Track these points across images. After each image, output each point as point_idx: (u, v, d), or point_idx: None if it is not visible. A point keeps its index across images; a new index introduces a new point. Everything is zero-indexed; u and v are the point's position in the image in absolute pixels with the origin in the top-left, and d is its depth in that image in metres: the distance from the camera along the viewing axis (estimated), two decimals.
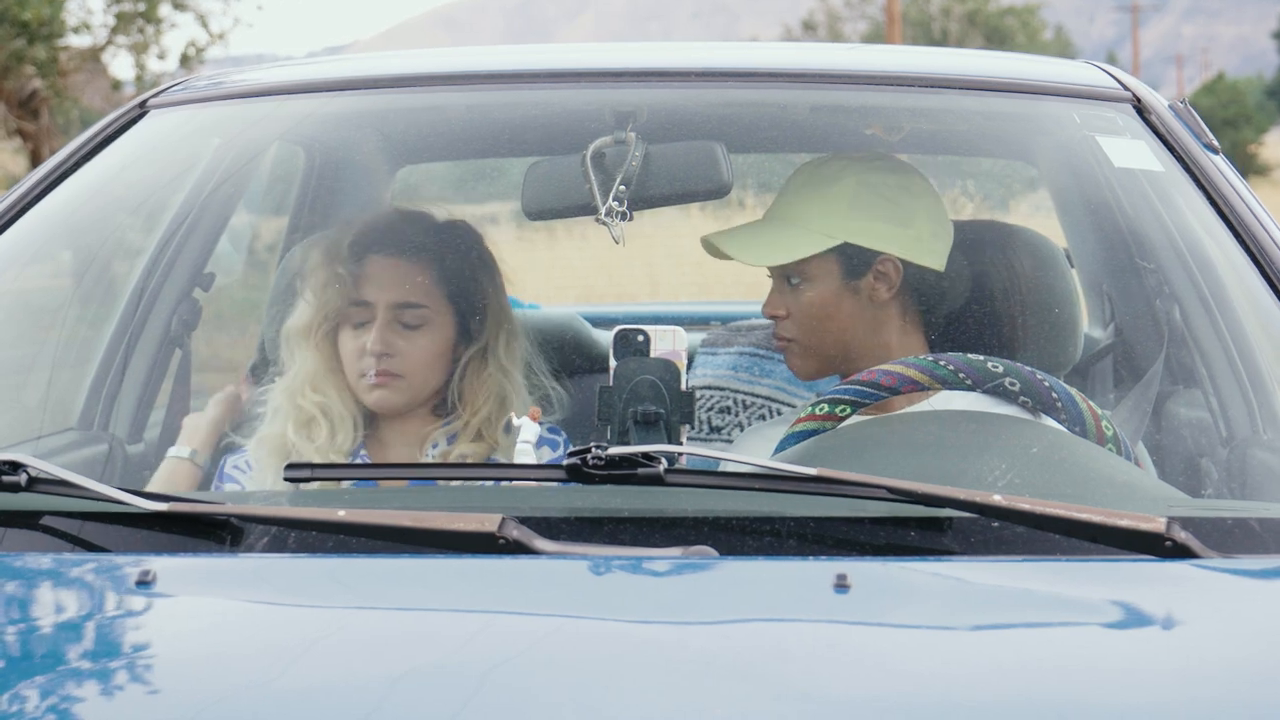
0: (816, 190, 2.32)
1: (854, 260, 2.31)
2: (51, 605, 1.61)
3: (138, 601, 1.57)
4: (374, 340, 2.33)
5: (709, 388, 2.80)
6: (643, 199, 2.34)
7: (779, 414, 2.72)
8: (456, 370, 2.39)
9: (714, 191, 2.40)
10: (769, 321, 2.80)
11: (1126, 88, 2.35)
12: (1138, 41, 58.76)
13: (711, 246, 2.37)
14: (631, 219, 2.31)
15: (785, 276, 2.34)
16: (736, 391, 2.79)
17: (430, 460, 2.37)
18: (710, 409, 2.79)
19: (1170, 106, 2.32)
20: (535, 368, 2.46)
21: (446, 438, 2.38)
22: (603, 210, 2.28)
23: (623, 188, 2.30)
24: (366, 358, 2.34)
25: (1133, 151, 2.27)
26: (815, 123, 2.65)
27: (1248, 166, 47.35)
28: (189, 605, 1.59)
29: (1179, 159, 2.21)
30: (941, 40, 47.89)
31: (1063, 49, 56.76)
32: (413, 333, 2.36)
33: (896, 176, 2.34)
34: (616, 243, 2.28)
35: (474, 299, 2.41)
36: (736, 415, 2.76)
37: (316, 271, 2.39)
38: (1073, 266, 2.94)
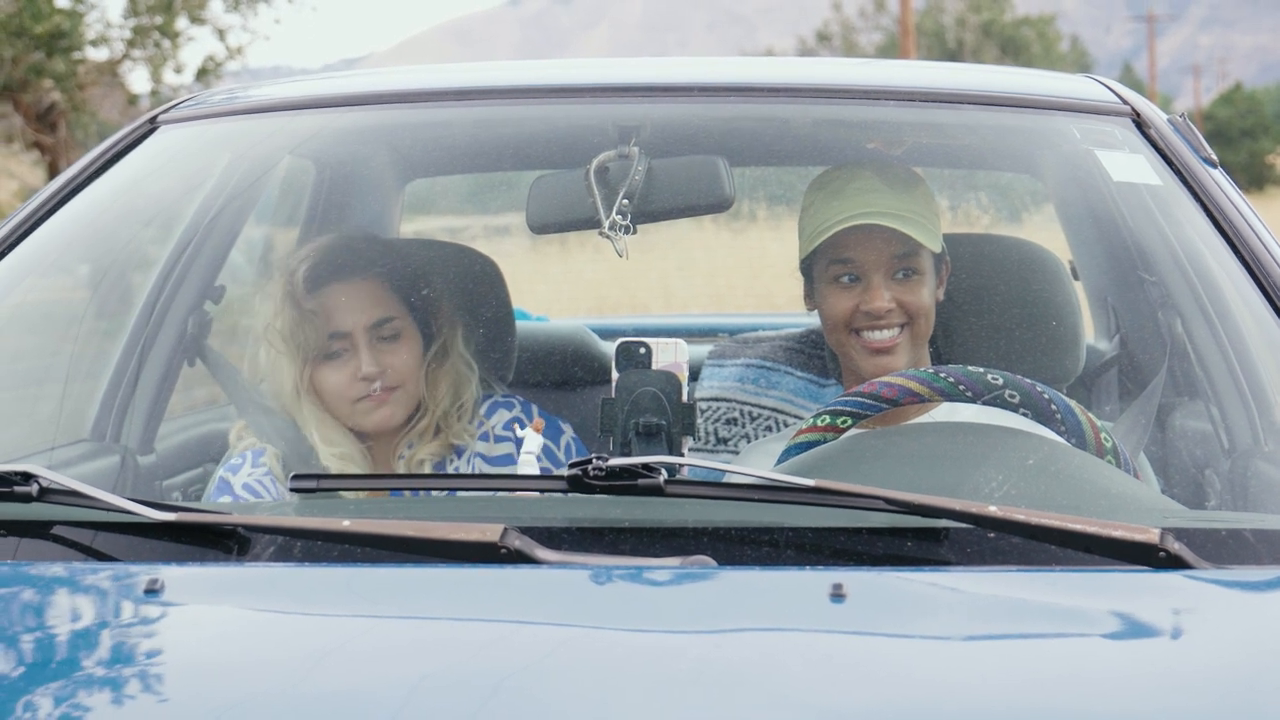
0: (907, 190, 2.42)
1: (938, 259, 2.45)
2: (62, 613, 1.63)
3: (146, 610, 1.59)
4: (366, 363, 2.35)
5: (715, 399, 2.81)
6: (646, 212, 2.36)
7: (785, 426, 2.74)
8: (426, 370, 2.42)
9: (716, 205, 2.42)
10: (776, 334, 2.82)
11: (1125, 102, 2.36)
12: (1154, 52, 58.66)
13: (847, 246, 2.40)
14: (635, 232, 2.34)
15: (892, 270, 2.40)
16: (743, 403, 2.81)
17: (401, 465, 2.40)
18: (717, 420, 2.80)
19: (1169, 120, 2.33)
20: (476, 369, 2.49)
21: (410, 442, 2.42)
22: (606, 224, 2.31)
23: (626, 201, 2.32)
24: (360, 383, 2.35)
25: (1131, 165, 2.29)
26: (816, 137, 2.67)
27: (1266, 176, 47.14)
28: (197, 614, 1.62)
29: (1177, 173, 2.23)
30: (957, 51, 47.81)
31: (1078, 59, 56.65)
32: (393, 344, 2.38)
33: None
34: (620, 255, 2.31)
35: (429, 298, 2.45)
36: (743, 426, 2.77)
37: (282, 316, 2.38)
38: (1077, 279, 2.95)
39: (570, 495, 1.72)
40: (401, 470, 2.40)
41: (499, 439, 2.48)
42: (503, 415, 2.51)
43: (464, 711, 1.36)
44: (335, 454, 2.37)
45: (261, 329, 2.41)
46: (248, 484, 2.41)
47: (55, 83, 19.47)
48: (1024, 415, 2.13)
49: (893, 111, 2.41)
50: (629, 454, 1.92)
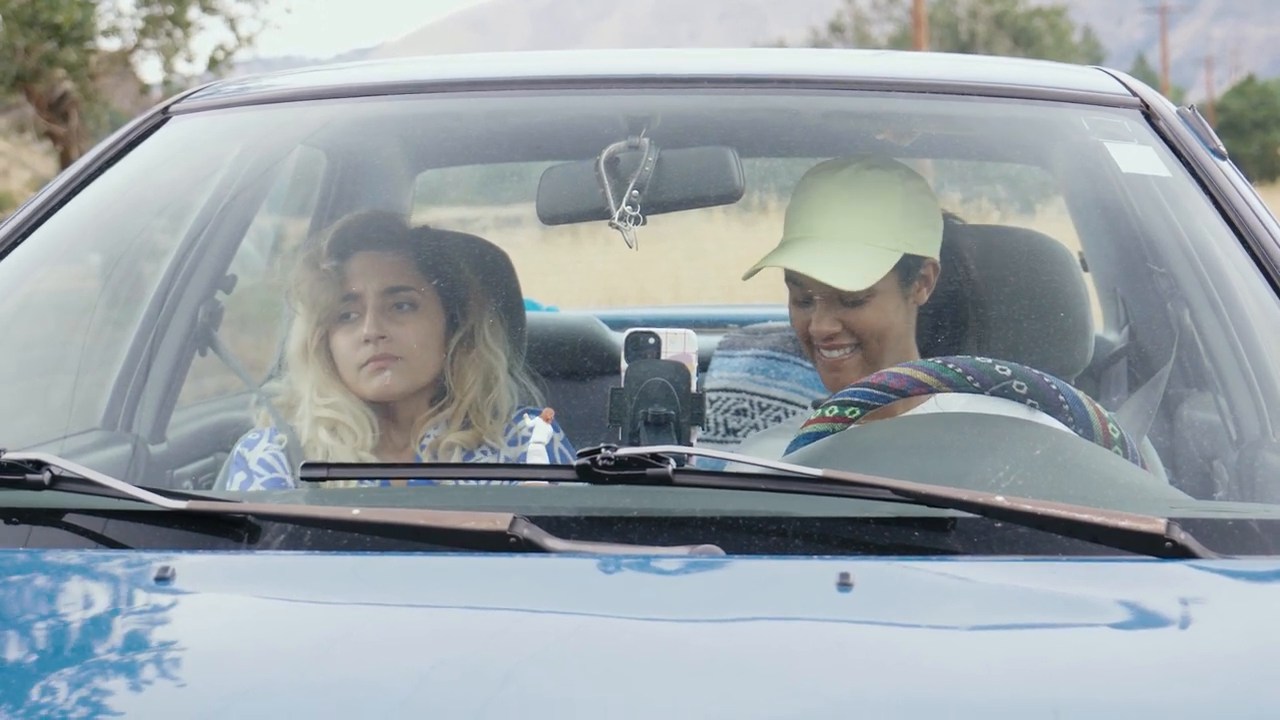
0: (867, 204, 2.33)
1: (908, 268, 2.35)
2: (74, 600, 1.65)
3: (157, 597, 1.60)
4: (369, 325, 2.37)
5: (725, 390, 2.82)
6: (656, 203, 2.37)
7: (794, 416, 2.75)
8: (448, 355, 2.43)
9: (726, 196, 2.43)
10: (786, 325, 2.83)
11: (1135, 94, 2.36)
12: (1166, 43, 58.49)
13: (792, 273, 2.33)
14: (645, 223, 2.34)
15: (837, 294, 2.32)
16: (752, 394, 2.82)
17: (423, 450, 2.41)
18: (726, 411, 2.81)
19: (1179, 112, 2.34)
20: (514, 366, 2.50)
21: (436, 425, 2.42)
22: (616, 214, 2.31)
23: (636, 192, 2.32)
24: (363, 346, 2.38)
25: (1140, 157, 2.29)
26: (826, 128, 2.67)
27: (1277, 168, 47.05)
28: (207, 601, 1.63)
29: (1186, 165, 2.23)
30: (969, 42, 47.73)
31: (1091, 51, 56.53)
32: (404, 315, 2.40)
33: (922, 180, 2.38)
34: (630, 246, 2.31)
35: (456, 284, 2.46)
36: (752, 417, 2.78)
37: (302, 279, 2.43)
38: (1086, 270, 2.96)
39: (579, 484, 1.73)
40: (425, 454, 2.41)
41: (524, 439, 2.49)
42: (528, 422, 2.51)
43: (473, 699, 1.37)
44: (325, 404, 2.39)
45: (285, 294, 2.47)
46: (263, 459, 2.43)
47: (67, 72, 19.52)
48: (1031, 406, 2.13)
49: (903, 103, 2.41)
50: (638, 444, 1.93)
